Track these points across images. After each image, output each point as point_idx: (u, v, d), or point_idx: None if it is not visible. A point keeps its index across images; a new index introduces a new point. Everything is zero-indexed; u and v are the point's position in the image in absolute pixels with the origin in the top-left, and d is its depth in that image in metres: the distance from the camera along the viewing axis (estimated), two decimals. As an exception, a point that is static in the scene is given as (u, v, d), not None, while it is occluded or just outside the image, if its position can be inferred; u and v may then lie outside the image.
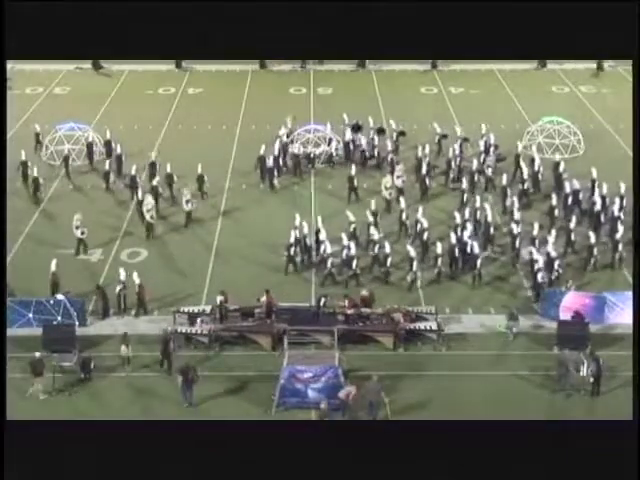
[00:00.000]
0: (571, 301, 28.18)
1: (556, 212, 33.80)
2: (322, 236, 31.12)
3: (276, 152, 38.78)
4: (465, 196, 35.04)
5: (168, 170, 37.11)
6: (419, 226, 32.34)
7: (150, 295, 28.99)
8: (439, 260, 30.39)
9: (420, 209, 33.20)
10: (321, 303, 28.01)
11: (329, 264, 30.32)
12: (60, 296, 28.23)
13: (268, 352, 26.86)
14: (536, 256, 29.83)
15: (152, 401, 24.94)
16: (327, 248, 30.48)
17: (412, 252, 30.34)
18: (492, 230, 32.50)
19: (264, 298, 27.96)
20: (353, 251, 30.36)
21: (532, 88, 51.05)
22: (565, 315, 27.85)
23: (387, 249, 30.56)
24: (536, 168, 37.13)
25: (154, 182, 36.35)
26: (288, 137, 40.46)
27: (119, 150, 39.28)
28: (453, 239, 31.01)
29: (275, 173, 38.14)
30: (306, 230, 31.81)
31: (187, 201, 34.67)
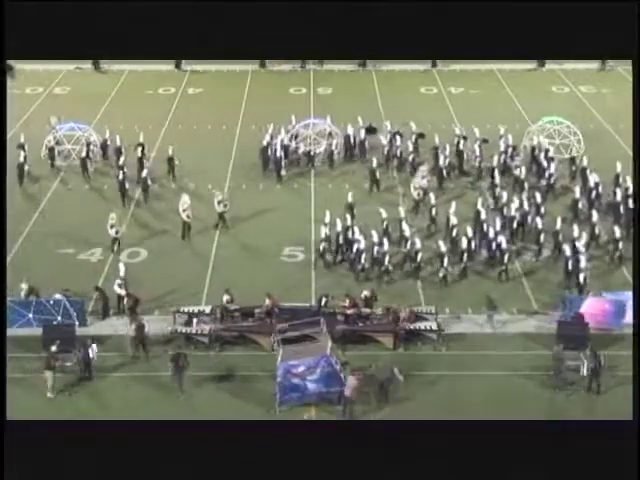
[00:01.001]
0: (591, 306, 27.85)
1: (580, 205, 34.37)
2: (356, 233, 31.35)
3: (279, 145, 39.17)
4: (497, 192, 35.38)
5: (139, 154, 38.28)
6: (450, 222, 32.68)
7: (145, 297, 28.98)
8: (465, 256, 30.67)
9: (453, 206, 33.64)
10: (322, 303, 28.01)
11: (362, 260, 30.58)
12: (58, 295, 28.17)
13: (268, 352, 26.86)
14: (569, 253, 30.10)
15: (152, 401, 24.94)
16: (361, 244, 30.73)
17: (443, 248, 30.58)
18: (515, 225, 33.00)
19: (267, 301, 27.95)
20: (386, 247, 30.64)
21: (532, 88, 51.03)
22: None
23: (418, 244, 30.84)
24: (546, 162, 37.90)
25: (143, 174, 36.88)
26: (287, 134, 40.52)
27: (118, 142, 39.45)
28: (470, 233, 31.31)
29: (282, 164, 38.61)
30: (339, 227, 31.91)
31: (219, 202, 34.56)
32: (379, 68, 54.41)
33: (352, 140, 40.56)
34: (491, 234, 31.50)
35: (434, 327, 27.53)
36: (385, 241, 30.92)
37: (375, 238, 31.13)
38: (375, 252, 30.77)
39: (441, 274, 30.42)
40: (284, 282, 30.28)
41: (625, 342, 26.48)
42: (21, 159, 37.91)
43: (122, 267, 29.42)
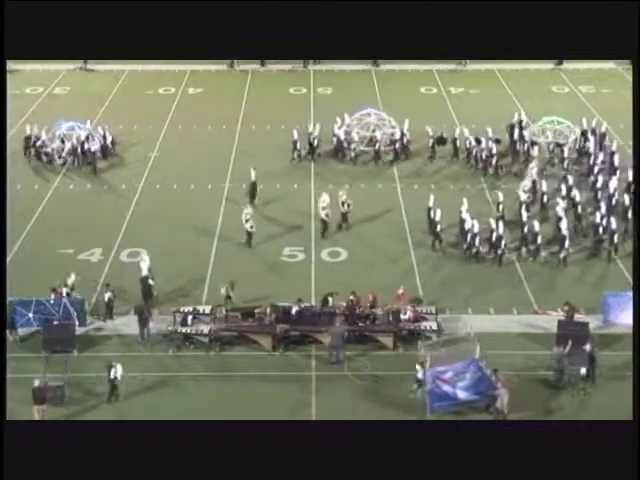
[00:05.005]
0: None
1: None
2: (467, 217, 32.42)
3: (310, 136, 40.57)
4: (600, 180, 36.26)
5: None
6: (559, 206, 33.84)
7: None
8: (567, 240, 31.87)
9: (563, 189, 35.18)
10: (327, 301, 28.02)
11: (477, 242, 31.67)
12: (52, 296, 28.13)
13: (268, 352, 26.88)
14: None
15: (152, 401, 24.96)
16: (475, 227, 31.73)
17: (564, 230, 31.64)
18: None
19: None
20: (501, 230, 31.65)
21: (532, 88, 51.08)
22: None
23: (536, 227, 32.00)
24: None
25: (93, 147, 38.83)
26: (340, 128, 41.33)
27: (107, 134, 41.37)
28: (561, 212, 32.77)
29: (297, 146, 40.03)
30: (464, 214, 32.79)
31: (342, 203, 34.46)
32: (379, 68, 54.48)
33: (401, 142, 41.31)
34: (597, 218, 32.46)
35: (434, 327, 27.55)
36: (501, 224, 31.88)
37: (493, 224, 31.96)
38: (494, 237, 31.67)
39: (562, 255, 31.50)
40: (284, 280, 30.28)
41: (625, 342, 26.48)
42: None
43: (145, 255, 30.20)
